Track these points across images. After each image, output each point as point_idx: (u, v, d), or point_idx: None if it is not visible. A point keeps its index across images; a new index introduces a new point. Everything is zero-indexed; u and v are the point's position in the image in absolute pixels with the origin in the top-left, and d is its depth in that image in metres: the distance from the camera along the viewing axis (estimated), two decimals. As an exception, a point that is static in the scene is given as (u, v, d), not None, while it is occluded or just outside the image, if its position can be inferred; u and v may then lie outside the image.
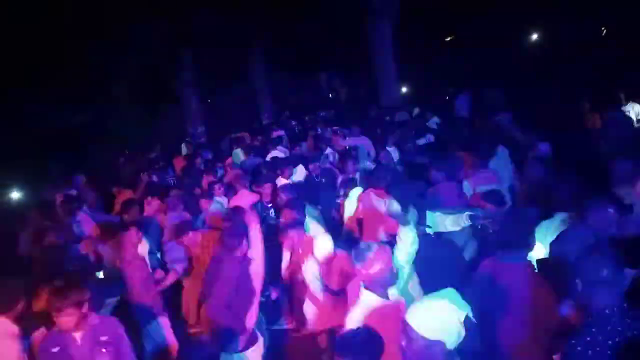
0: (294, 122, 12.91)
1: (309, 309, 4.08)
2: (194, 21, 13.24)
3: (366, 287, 2.71)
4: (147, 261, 4.71)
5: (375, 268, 2.65)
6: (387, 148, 7.42)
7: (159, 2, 12.79)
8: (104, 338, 2.96)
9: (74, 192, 7.87)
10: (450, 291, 2.04)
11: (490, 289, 2.84)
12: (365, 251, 2.70)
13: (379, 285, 2.69)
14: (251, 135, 10.61)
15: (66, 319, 2.80)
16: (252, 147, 9.23)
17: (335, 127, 9.67)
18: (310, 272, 3.99)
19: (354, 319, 2.64)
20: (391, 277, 2.72)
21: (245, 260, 3.72)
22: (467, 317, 1.95)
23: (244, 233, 3.78)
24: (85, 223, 6.04)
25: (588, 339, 1.97)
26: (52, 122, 13.59)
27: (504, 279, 2.80)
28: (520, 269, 2.79)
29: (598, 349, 1.93)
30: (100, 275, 4.88)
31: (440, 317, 1.92)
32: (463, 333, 1.94)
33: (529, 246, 2.87)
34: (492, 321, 2.77)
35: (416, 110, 10.69)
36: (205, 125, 15.76)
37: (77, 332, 2.89)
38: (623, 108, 7.67)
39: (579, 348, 1.97)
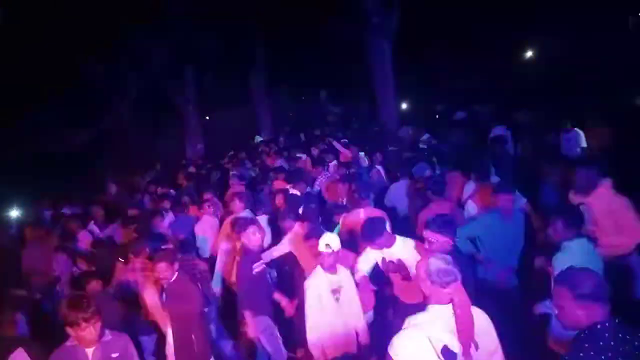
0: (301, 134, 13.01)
1: None
2: (196, 39, 13.44)
3: None
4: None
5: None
6: (376, 166, 7.67)
7: (162, 21, 12.99)
8: (115, 355, 2.95)
9: (68, 211, 8.07)
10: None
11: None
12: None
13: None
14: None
15: (89, 330, 2.77)
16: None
17: (343, 140, 9.81)
18: None
19: None
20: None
21: None
22: (445, 347, 2.01)
23: None
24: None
25: (581, 354, 1.99)
26: (54, 139, 13.68)
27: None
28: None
29: None
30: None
31: (416, 348, 1.99)
32: None
33: None
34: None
35: (409, 131, 10.62)
36: (205, 142, 15.86)
37: (90, 347, 2.88)
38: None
39: None
